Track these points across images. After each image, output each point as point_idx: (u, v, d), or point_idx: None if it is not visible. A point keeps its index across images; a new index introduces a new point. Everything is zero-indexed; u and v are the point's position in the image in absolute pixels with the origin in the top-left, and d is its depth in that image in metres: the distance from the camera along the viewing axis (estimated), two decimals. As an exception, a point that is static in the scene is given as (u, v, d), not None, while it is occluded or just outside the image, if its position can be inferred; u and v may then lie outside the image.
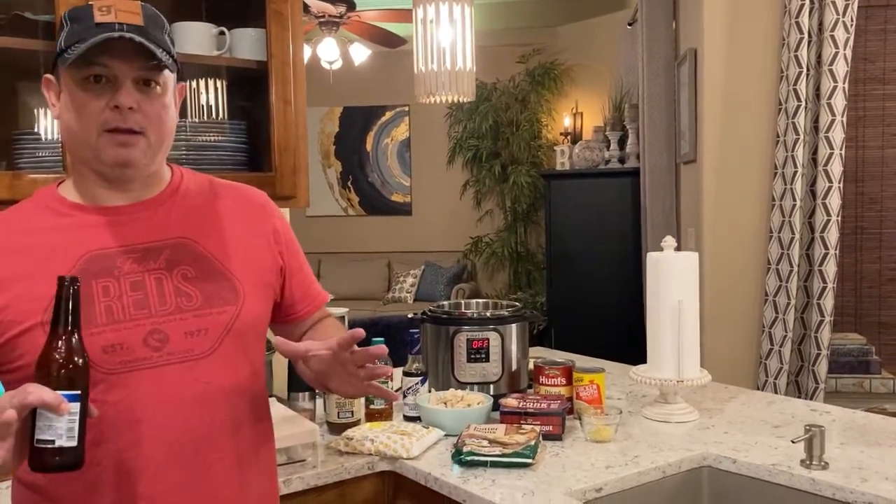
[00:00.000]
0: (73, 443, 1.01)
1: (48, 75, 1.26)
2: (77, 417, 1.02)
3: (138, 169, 1.25)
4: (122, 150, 1.21)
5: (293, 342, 1.25)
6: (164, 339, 1.21)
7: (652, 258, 2.02)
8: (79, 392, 1.03)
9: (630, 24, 5.06)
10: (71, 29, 1.20)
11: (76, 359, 1.04)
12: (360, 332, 1.18)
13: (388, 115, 7.78)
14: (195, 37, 1.96)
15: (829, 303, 2.92)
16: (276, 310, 1.41)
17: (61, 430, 1.01)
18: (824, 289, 2.93)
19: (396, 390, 2.08)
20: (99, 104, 1.19)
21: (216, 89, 2.21)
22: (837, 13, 2.84)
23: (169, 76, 1.25)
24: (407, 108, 7.67)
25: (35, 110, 1.94)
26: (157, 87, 1.23)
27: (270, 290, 1.37)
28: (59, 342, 1.04)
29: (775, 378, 3.00)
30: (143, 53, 1.19)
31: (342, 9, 5.58)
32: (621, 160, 5.37)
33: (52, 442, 1.00)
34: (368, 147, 7.86)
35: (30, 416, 1.00)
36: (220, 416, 1.26)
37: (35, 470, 1.02)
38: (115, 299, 1.20)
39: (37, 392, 0.99)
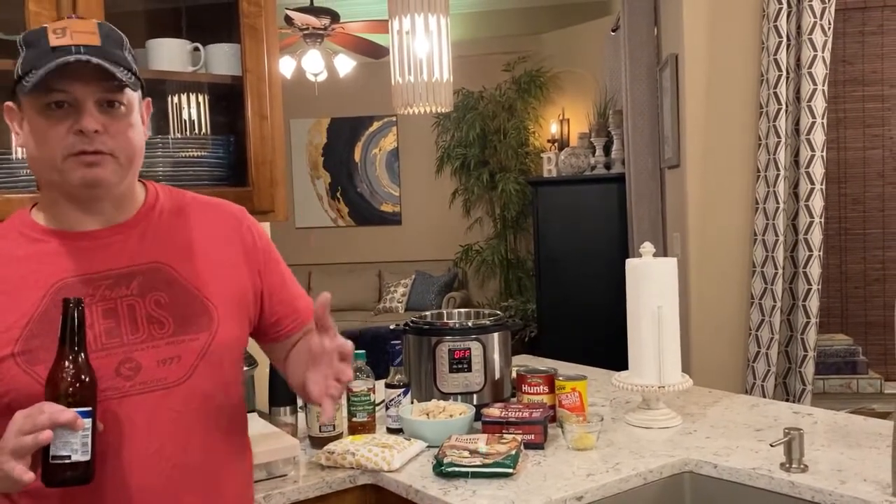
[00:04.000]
0: (87, 457, 1.07)
1: (9, 103, 1.23)
2: (90, 433, 1.07)
3: (108, 189, 1.22)
4: (89, 170, 1.18)
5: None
6: (137, 368, 1.20)
7: (631, 264, 2.02)
8: (90, 408, 1.08)
9: (613, 31, 5.08)
10: (26, 55, 1.17)
11: (85, 377, 1.09)
12: (327, 295, 1.18)
13: (376, 125, 7.79)
14: (169, 54, 1.95)
15: (814, 304, 2.93)
16: (260, 329, 1.39)
17: (76, 446, 1.06)
18: (809, 290, 2.94)
19: (379, 403, 2.07)
20: (61, 130, 1.16)
21: (198, 104, 2.21)
22: (815, 16, 2.86)
23: (133, 94, 1.23)
24: (394, 119, 7.67)
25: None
26: (122, 108, 1.21)
27: (247, 310, 1.35)
28: (69, 361, 1.09)
29: (763, 381, 3.01)
30: (102, 75, 1.16)
31: (326, 21, 5.59)
32: (607, 166, 5.38)
33: (68, 457, 1.05)
34: (357, 158, 7.86)
35: None
36: (193, 442, 1.25)
37: (50, 485, 1.06)
38: (87, 328, 1.17)
39: (56, 412, 1.04)
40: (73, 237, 1.24)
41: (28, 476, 1.04)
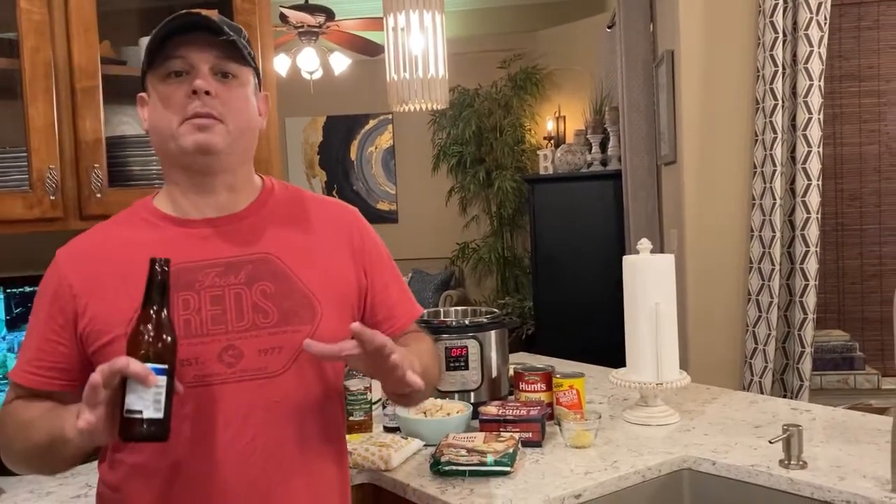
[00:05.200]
0: (160, 415, 1.06)
1: (140, 94, 1.30)
2: (164, 390, 1.07)
3: (218, 157, 1.25)
4: (200, 134, 1.22)
5: (324, 343, 1.18)
6: (239, 356, 1.22)
7: (628, 261, 2.02)
8: (166, 366, 1.08)
9: (609, 27, 5.07)
10: (150, 42, 1.25)
11: (164, 335, 1.10)
12: (380, 338, 1.14)
13: (372, 123, 7.78)
14: (163, 51, 1.94)
15: (811, 300, 2.92)
16: None
17: (148, 402, 1.06)
18: (806, 286, 2.93)
19: (376, 401, 2.06)
20: (179, 94, 1.22)
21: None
22: (811, 12, 2.85)
23: (248, 73, 1.28)
24: (390, 116, 7.66)
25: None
26: (236, 80, 1.26)
27: (352, 308, 1.35)
28: (149, 319, 1.10)
29: (760, 377, 3.00)
30: (217, 44, 1.22)
31: (321, 18, 5.58)
32: (603, 163, 5.37)
33: (140, 412, 1.05)
34: (353, 156, 7.85)
35: (120, 389, 1.05)
36: (289, 435, 1.26)
37: (124, 439, 1.06)
38: (193, 313, 1.22)
39: (125, 361, 1.04)
40: (190, 224, 1.29)
41: (84, 420, 1.04)
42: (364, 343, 1.13)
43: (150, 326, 1.10)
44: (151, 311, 1.11)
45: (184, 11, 1.22)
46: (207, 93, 1.22)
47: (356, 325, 1.13)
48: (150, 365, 1.06)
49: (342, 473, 1.37)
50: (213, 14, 1.25)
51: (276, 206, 1.35)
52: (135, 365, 1.04)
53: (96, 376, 1.04)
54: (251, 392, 1.22)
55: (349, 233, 1.39)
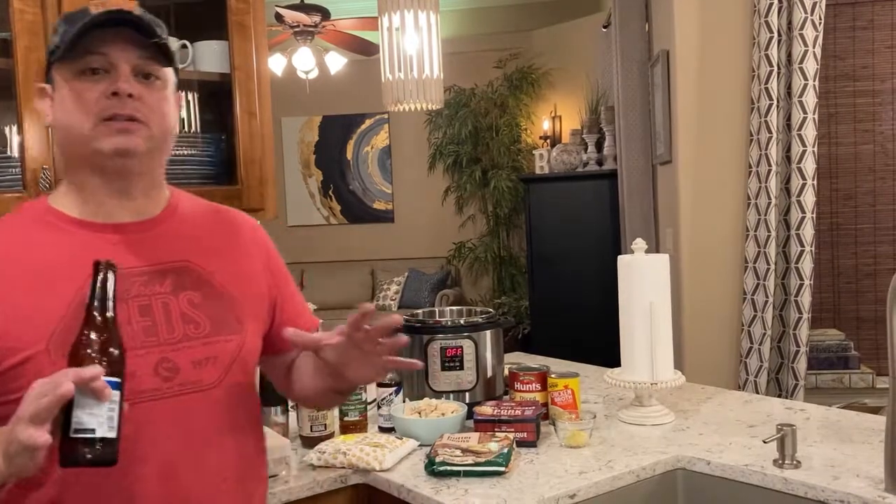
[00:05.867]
0: (114, 434, 0.95)
1: (40, 84, 1.21)
2: (117, 407, 0.96)
3: (139, 160, 1.17)
4: (121, 137, 1.14)
5: (305, 335, 1.21)
6: (174, 369, 1.16)
7: (623, 261, 2.02)
8: (119, 380, 0.97)
9: (605, 27, 5.07)
10: (65, 29, 1.16)
11: (115, 345, 0.99)
12: (370, 306, 1.15)
13: (368, 122, 7.77)
14: (157, 51, 1.94)
15: (806, 299, 2.93)
16: (266, 339, 1.35)
17: (102, 419, 0.93)
18: (802, 285, 2.94)
19: (371, 401, 2.06)
20: (95, 93, 1.14)
21: (186, 103, 2.20)
22: (806, 12, 2.86)
23: (169, 74, 1.21)
24: (386, 116, 7.65)
25: (6, 129, 1.92)
26: (158, 81, 1.19)
27: (264, 318, 1.33)
28: (97, 328, 0.99)
29: (755, 376, 3.01)
30: (139, 42, 1.15)
31: (316, 18, 5.57)
32: (599, 162, 5.38)
33: (93, 431, 0.93)
34: (349, 155, 7.84)
35: (61, 409, 0.92)
36: (227, 447, 1.23)
37: (67, 465, 0.94)
38: (124, 324, 1.09)
39: (88, 370, 0.93)
40: (103, 229, 1.19)
41: (44, 438, 0.91)
42: (356, 324, 1.15)
43: (99, 336, 0.98)
44: (99, 320, 1.00)
45: (114, 9, 1.14)
46: (130, 95, 1.14)
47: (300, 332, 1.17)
48: (104, 379, 0.94)
49: (265, 473, 1.37)
50: (134, 5, 1.19)
51: (186, 213, 1.29)
52: (89, 372, 0.93)
53: (69, 386, 0.91)
54: (189, 405, 1.16)
55: (256, 243, 1.36)
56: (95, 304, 1.00)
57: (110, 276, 1.02)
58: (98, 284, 1.01)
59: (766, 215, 2.96)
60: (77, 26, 1.12)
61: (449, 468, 1.66)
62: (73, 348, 0.98)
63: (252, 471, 1.29)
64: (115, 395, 0.95)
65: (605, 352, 3.08)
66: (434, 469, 1.66)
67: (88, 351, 0.97)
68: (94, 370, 0.94)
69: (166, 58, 1.18)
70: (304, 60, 5.90)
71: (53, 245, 1.16)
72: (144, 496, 1.13)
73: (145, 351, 1.14)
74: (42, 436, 0.92)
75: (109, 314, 1.01)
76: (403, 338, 1.22)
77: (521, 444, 1.82)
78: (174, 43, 1.96)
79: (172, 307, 1.19)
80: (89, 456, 0.94)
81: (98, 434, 0.93)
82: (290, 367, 1.42)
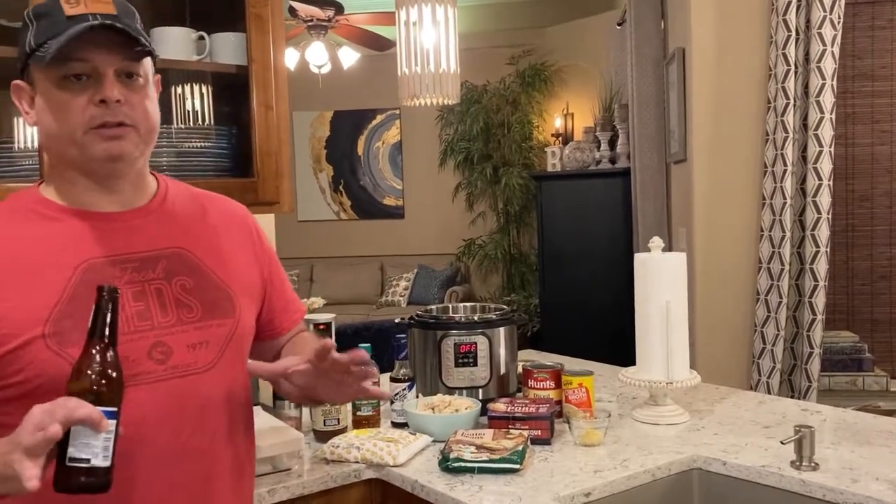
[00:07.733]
0: (108, 462, 0.98)
1: (18, 81, 1.20)
2: (112, 436, 0.98)
3: (130, 163, 1.20)
4: (112, 143, 1.16)
5: (269, 364, 1.25)
6: (168, 353, 1.18)
7: (639, 259, 2.00)
8: (116, 409, 0.99)
9: (619, 25, 5.05)
10: (39, 26, 1.14)
11: (113, 374, 1.01)
12: (330, 342, 1.17)
13: (379, 118, 7.77)
14: (174, 42, 1.93)
15: (820, 301, 2.91)
16: (257, 325, 1.38)
17: (97, 449, 0.96)
18: (816, 287, 2.91)
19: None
20: (81, 102, 1.14)
21: (202, 95, 2.19)
22: (824, 10, 2.83)
23: (149, 67, 1.21)
24: (398, 112, 7.65)
25: (14, 119, 1.91)
26: (140, 79, 1.19)
27: (255, 303, 1.35)
28: (97, 355, 1.00)
29: (768, 377, 2.99)
30: (122, 44, 1.14)
31: (330, 12, 5.56)
32: (612, 161, 5.36)
33: (88, 461, 0.96)
34: (360, 151, 7.84)
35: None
36: (220, 429, 1.24)
37: (61, 491, 0.97)
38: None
39: (82, 407, 0.96)
40: (94, 217, 1.20)
41: (33, 483, 0.94)
42: (318, 358, 1.16)
43: (98, 365, 1.00)
44: (99, 347, 1.01)
45: (98, 23, 1.12)
46: (118, 101, 1.14)
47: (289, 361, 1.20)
48: (100, 408, 0.97)
49: (252, 459, 1.38)
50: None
51: (175, 201, 1.30)
52: (93, 411, 0.96)
53: (57, 428, 0.94)
54: (183, 388, 1.18)
55: (248, 229, 1.39)
56: (97, 330, 1.02)
57: (112, 304, 1.04)
58: (100, 311, 1.03)
59: (780, 215, 2.93)
60: (62, 33, 1.11)
61: (463, 464, 1.65)
62: (73, 374, 1.00)
63: (243, 450, 1.31)
64: (112, 423, 0.98)
65: (615, 351, 3.07)
66: (448, 465, 1.66)
67: (89, 380, 0.99)
68: (85, 412, 0.96)
69: (147, 52, 1.18)
70: (317, 55, 5.89)
71: (46, 233, 1.18)
72: (139, 478, 1.15)
73: (139, 335, 1.16)
74: (31, 478, 0.94)
75: (109, 341, 1.02)
76: (373, 368, 1.24)
77: (536, 441, 1.81)
78: (190, 34, 1.96)
79: (166, 292, 1.21)
80: (83, 484, 0.97)
81: (92, 463, 0.96)
82: (278, 356, 1.42)
